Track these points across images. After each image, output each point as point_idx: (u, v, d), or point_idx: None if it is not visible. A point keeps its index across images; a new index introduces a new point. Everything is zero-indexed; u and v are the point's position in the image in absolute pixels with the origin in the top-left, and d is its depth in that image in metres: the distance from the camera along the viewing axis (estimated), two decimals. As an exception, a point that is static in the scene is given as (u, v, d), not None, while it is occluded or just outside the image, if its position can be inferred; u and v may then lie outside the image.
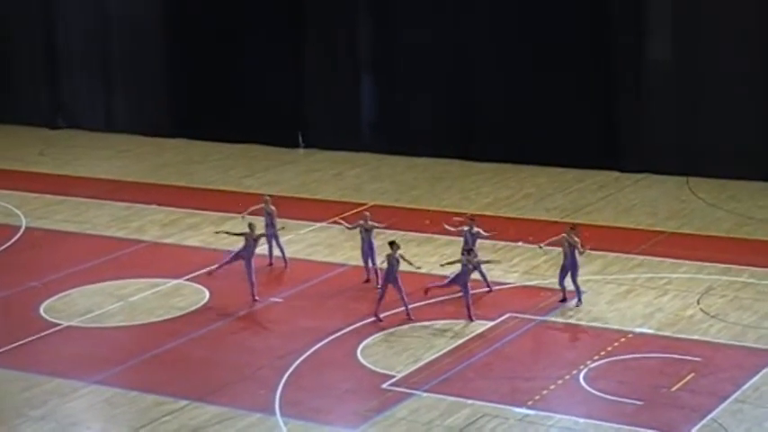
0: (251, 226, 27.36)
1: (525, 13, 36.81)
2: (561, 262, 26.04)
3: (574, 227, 26.43)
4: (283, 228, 28.93)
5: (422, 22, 38.24)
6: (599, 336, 24.56)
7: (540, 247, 27.18)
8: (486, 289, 26.78)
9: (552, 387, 22.21)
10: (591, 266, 27.75)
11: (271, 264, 29.05)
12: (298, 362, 23.63)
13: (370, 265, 27.66)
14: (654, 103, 35.85)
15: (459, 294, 25.64)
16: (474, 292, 26.18)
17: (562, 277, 26.00)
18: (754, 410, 21.12)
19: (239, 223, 29.68)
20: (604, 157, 36.20)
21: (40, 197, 35.84)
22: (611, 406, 21.50)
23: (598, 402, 21.67)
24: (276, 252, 28.98)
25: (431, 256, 29.32)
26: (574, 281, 25.92)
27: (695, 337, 24.25)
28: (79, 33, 43.95)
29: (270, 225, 28.81)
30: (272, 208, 28.92)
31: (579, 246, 25.77)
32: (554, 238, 26.55)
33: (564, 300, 26.00)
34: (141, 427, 21.45)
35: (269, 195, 29.62)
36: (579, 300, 25.96)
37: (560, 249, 26.22)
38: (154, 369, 23.89)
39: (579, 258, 25.88)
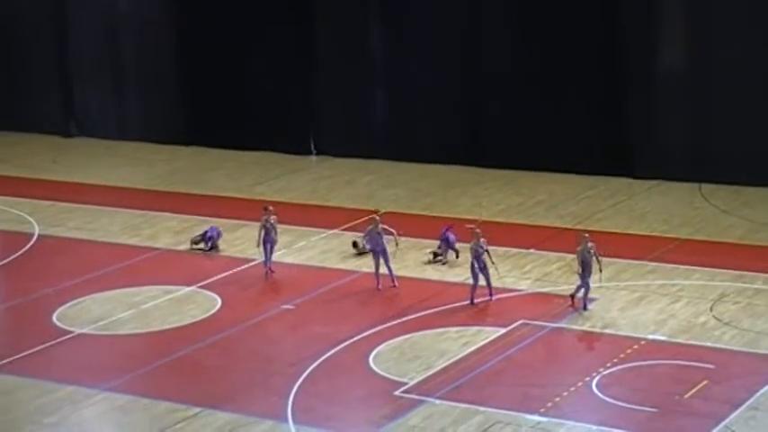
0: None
1: (536, 20, 36.81)
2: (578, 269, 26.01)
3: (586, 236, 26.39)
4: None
5: (433, 28, 38.23)
6: (612, 343, 24.51)
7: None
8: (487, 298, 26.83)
9: (565, 394, 22.16)
10: (604, 273, 27.66)
11: (272, 271, 29.00)
12: (310, 369, 23.62)
13: (385, 270, 27.62)
14: (666, 110, 35.79)
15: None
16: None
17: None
18: (767, 417, 21.02)
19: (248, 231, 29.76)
20: (617, 164, 36.14)
21: (53, 205, 35.92)
22: (625, 413, 21.44)
23: (611, 409, 21.61)
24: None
25: (444, 263, 29.29)
26: (584, 288, 25.91)
27: (708, 344, 24.18)
28: (91, 42, 44.09)
29: (267, 235, 28.74)
30: (273, 219, 28.90)
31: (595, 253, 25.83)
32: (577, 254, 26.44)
33: (585, 307, 26.01)
34: (154, 434, 21.52)
35: (270, 207, 29.50)
36: (585, 306, 25.98)
37: (574, 256, 26.28)
38: (166, 376, 23.91)
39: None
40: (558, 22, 36.44)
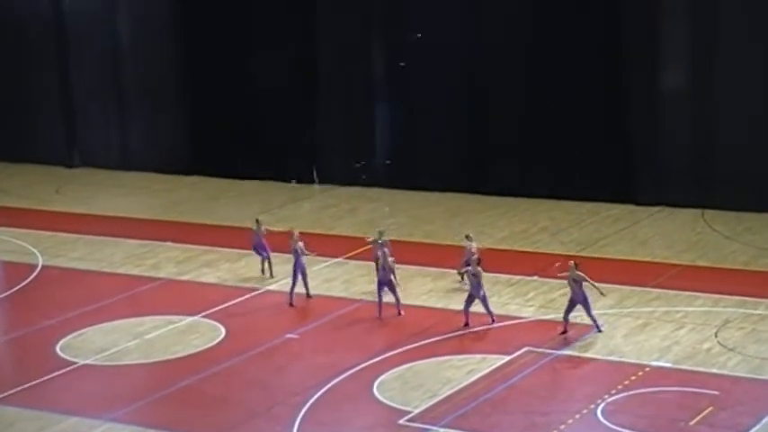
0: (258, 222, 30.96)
1: (539, 46, 36.89)
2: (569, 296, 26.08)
3: (576, 264, 26.33)
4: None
5: (436, 58, 38.32)
6: (616, 369, 24.45)
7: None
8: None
9: (570, 421, 22.10)
10: (607, 300, 27.63)
11: (291, 304, 29.05)
12: (314, 398, 23.57)
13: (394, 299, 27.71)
14: (669, 136, 35.83)
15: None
16: (483, 328, 26.29)
17: (568, 312, 26.00)
18: (773, 444, 21.00)
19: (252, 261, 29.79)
20: (620, 190, 36.17)
21: (56, 235, 35.96)
22: (630, 440, 21.40)
23: (616, 437, 21.58)
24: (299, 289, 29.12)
25: (445, 291, 29.31)
26: (589, 314, 25.88)
27: (713, 370, 24.12)
28: (94, 72, 44.26)
29: (297, 260, 28.82)
30: (300, 244, 28.96)
31: (586, 279, 25.78)
32: (563, 273, 26.47)
33: (565, 332, 25.96)
34: (158, 464, 21.47)
35: (295, 230, 29.70)
36: (598, 328, 25.95)
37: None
38: (170, 406, 23.86)
39: (588, 292, 25.88)
40: (560, 50, 36.53)
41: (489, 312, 26.74)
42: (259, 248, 30.90)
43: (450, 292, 29.18)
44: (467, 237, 29.52)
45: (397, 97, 39.40)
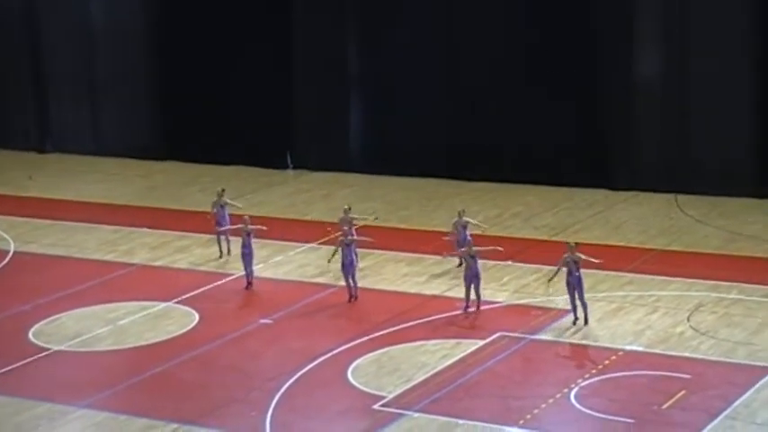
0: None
1: (514, 32, 36.94)
2: (564, 279, 25.91)
3: (576, 244, 26.36)
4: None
5: (411, 42, 38.30)
6: (590, 354, 24.56)
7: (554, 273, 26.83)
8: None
9: (544, 406, 22.18)
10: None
11: (250, 284, 29.05)
12: (288, 383, 23.56)
13: (351, 283, 27.68)
14: (642, 122, 35.95)
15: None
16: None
17: (572, 297, 25.78)
18: (745, 427, 21.08)
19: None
20: (593, 176, 36.25)
21: (29, 221, 35.77)
22: (603, 424, 21.46)
23: (589, 421, 21.63)
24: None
25: (420, 276, 29.33)
26: (582, 299, 25.72)
27: (686, 354, 24.25)
28: (67, 57, 43.97)
29: (247, 245, 28.80)
30: (251, 228, 28.95)
31: (581, 261, 25.74)
32: (559, 263, 26.30)
33: (577, 319, 25.84)
34: (131, 450, 21.40)
35: (248, 216, 29.70)
36: (586, 317, 25.82)
37: (552, 268, 26.30)
38: (144, 393, 23.81)
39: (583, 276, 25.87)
40: (535, 37, 36.55)
41: (478, 297, 26.66)
42: (222, 224, 30.76)
43: (424, 277, 29.19)
44: (459, 214, 29.54)
45: (373, 83, 39.36)
